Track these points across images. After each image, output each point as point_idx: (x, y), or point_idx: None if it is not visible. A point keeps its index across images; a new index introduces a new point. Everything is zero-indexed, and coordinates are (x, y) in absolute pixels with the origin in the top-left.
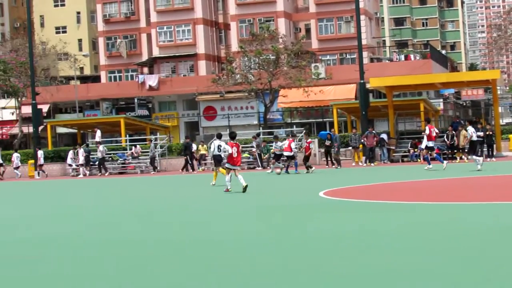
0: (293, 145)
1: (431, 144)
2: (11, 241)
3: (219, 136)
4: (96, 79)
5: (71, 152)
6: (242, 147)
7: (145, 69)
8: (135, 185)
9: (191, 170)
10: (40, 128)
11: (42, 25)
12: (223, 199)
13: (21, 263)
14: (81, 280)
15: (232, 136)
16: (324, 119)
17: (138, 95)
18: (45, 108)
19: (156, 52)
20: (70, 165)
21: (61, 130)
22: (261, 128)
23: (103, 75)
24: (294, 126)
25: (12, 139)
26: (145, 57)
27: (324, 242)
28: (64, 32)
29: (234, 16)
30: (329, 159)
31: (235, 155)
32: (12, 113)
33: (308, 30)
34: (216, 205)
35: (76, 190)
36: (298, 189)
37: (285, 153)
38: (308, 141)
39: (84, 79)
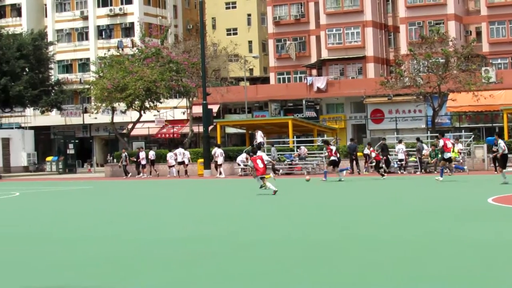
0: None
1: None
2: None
3: (259, 148)
4: (265, 80)
5: (243, 155)
6: (409, 151)
7: (314, 71)
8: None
9: (356, 172)
10: (210, 128)
11: (213, 27)
12: (384, 202)
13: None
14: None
15: (254, 151)
16: (494, 124)
17: (306, 97)
18: (215, 108)
19: (325, 54)
20: (239, 164)
21: (230, 130)
22: (428, 132)
23: (272, 76)
24: (463, 130)
25: (183, 138)
26: (313, 59)
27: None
28: (235, 34)
29: (404, 19)
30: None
31: (260, 165)
32: (183, 113)
33: (479, 33)
34: (386, 207)
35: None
36: (465, 195)
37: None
38: (371, 149)
39: (253, 80)
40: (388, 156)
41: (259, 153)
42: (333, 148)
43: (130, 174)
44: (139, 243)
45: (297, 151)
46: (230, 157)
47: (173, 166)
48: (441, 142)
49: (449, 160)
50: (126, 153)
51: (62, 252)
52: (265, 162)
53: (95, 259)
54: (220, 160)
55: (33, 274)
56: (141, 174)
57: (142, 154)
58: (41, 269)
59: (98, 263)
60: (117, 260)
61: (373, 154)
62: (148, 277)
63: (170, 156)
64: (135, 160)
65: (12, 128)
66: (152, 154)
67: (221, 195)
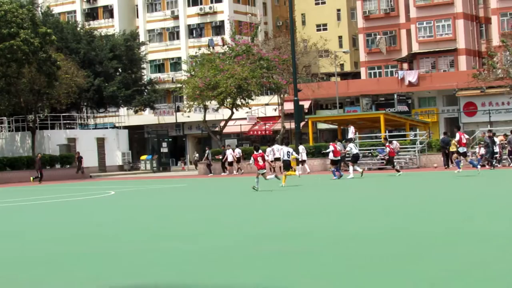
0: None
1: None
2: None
3: (287, 143)
4: (356, 75)
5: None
6: (503, 144)
7: (405, 65)
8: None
9: (445, 167)
10: (302, 124)
11: (303, 23)
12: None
13: None
14: None
15: (256, 148)
16: None
17: (398, 91)
18: (306, 104)
19: (415, 48)
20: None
21: (322, 126)
22: None
23: (362, 71)
24: None
25: (275, 135)
26: (404, 53)
27: None
28: (325, 29)
29: (495, 10)
30: None
31: (260, 163)
32: (275, 109)
33: None
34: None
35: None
36: None
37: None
38: (387, 144)
39: (344, 75)
40: (494, 148)
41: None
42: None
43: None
44: (238, 238)
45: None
46: (322, 154)
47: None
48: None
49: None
50: (209, 151)
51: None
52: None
53: (196, 255)
54: (303, 156)
55: (159, 269)
56: (227, 171)
57: (228, 152)
58: (162, 265)
59: (208, 258)
60: (221, 255)
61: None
62: (243, 273)
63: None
64: (221, 158)
65: (107, 128)
66: (238, 151)
67: (315, 190)
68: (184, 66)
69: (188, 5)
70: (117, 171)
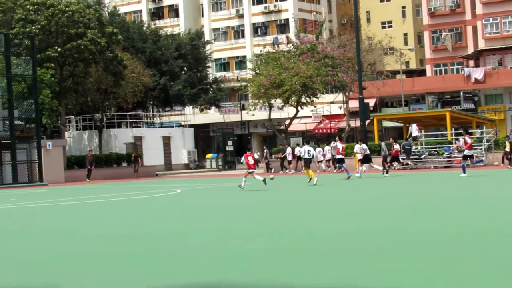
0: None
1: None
2: None
3: (308, 142)
4: (421, 73)
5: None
6: None
7: (471, 62)
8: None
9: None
10: (367, 122)
11: (368, 20)
12: None
13: None
14: None
15: (249, 149)
16: None
17: (464, 89)
18: (371, 102)
19: (481, 45)
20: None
21: (387, 124)
22: None
23: (428, 68)
24: None
25: (340, 133)
26: (470, 49)
27: None
28: (390, 26)
29: None
30: None
31: (251, 162)
32: (340, 108)
33: None
34: None
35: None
36: None
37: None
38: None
39: (409, 73)
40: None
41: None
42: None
43: (273, 169)
44: (309, 236)
45: (455, 143)
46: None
47: (321, 161)
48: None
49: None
50: (267, 150)
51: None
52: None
53: (278, 252)
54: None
55: (222, 268)
56: (287, 169)
57: (288, 150)
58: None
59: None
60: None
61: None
62: (311, 272)
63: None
64: (280, 156)
65: (173, 126)
66: (298, 150)
67: (378, 189)
68: (249, 65)
69: (253, 4)
70: (183, 169)
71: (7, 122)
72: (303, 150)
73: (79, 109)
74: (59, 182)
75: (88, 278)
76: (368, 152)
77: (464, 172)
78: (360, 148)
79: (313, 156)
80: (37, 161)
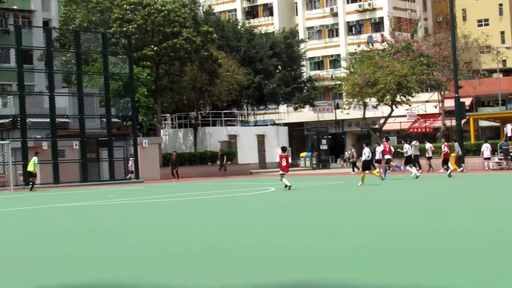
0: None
1: None
2: None
3: (367, 144)
4: None
5: (486, 146)
6: None
7: None
8: None
9: None
10: (463, 121)
11: (464, 18)
12: None
13: None
14: None
15: (284, 149)
16: None
17: None
18: (467, 101)
19: None
20: (486, 158)
21: (483, 123)
22: None
23: None
24: None
25: (435, 132)
26: None
27: None
28: (486, 24)
29: None
30: None
31: (284, 164)
32: (435, 107)
33: None
34: None
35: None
36: None
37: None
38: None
39: (507, 71)
40: None
41: (366, 149)
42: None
43: (359, 170)
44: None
45: None
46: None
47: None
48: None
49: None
50: (353, 149)
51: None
52: (289, 162)
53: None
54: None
55: (299, 267)
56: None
57: (378, 149)
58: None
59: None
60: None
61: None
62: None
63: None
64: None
65: (267, 125)
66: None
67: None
68: (344, 63)
69: (347, 2)
70: (277, 167)
71: (105, 119)
72: (363, 152)
73: (174, 107)
74: (155, 179)
75: (191, 274)
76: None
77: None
78: (408, 148)
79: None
80: (133, 158)
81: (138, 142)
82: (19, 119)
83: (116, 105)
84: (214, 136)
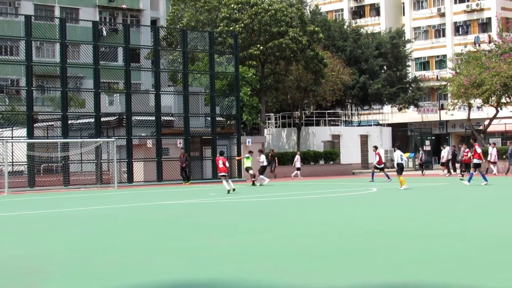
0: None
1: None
2: None
3: (399, 147)
4: None
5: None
6: None
7: None
8: None
9: None
10: None
11: None
12: None
13: None
14: None
15: (221, 153)
16: None
17: None
18: None
19: None
20: None
21: None
22: None
23: None
24: None
25: None
26: None
27: None
28: None
29: None
30: None
31: (221, 165)
32: None
33: None
34: None
35: None
36: None
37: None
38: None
39: None
40: None
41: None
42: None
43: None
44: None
45: None
46: None
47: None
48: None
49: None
50: (422, 151)
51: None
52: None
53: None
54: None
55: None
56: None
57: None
58: None
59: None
60: None
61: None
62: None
63: None
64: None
65: (370, 125)
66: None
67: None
68: (449, 64)
69: (455, 2)
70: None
71: (209, 118)
72: (395, 156)
73: (278, 107)
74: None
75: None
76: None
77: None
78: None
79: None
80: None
81: (242, 141)
82: (124, 117)
83: (221, 104)
84: (318, 136)
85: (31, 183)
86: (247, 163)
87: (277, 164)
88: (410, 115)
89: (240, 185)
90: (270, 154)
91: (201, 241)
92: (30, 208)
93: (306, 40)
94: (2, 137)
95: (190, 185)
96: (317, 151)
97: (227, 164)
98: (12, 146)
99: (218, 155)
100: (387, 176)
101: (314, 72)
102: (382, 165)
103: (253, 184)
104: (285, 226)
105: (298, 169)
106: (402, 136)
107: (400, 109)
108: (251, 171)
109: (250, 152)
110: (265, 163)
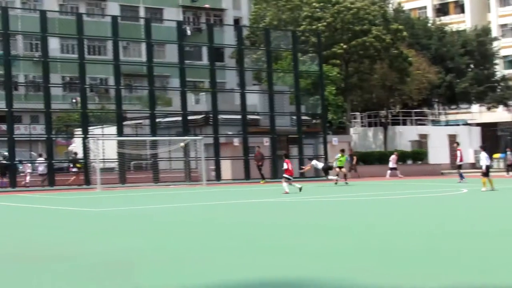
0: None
1: None
2: None
3: (485, 148)
4: None
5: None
6: None
7: None
8: None
9: None
10: None
11: None
12: None
13: None
14: None
15: (286, 155)
16: None
17: None
18: None
19: None
20: None
21: None
22: None
23: None
24: None
25: None
26: None
27: None
28: None
29: None
30: None
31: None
32: None
33: None
34: None
35: None
36: None
37: None
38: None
39: None
40: None
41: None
42: None
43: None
44: None
45: None
46: None
47: None
48: None
49: None
50: (510, 151)
51: None
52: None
53: None
54: None
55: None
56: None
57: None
58: None
59: None
60: None
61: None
62: None
63: None
64: None
65: (458, 125)
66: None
67: None
68: None
69: None
70: (469, 169)
71: (295, 117)
72: (481, 157)
73: (363, 106)
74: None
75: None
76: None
77: None
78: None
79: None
80: (323, 156)
81: (328, 140)
82: (211, 115)
83: (306, 103)
84: (404, 135)
85: (122, 180)
86: (339, 162)
87: (355, 163)
88: (500, 115)
89: (323, 185)
90: (349, 154)
91: (289, 240)
92: (121, 204)
93: (389, 39)
94: (93, 134)
95: (275, 183)
96: (404, 150)
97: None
98: (103, 144)
99: (285, 157)
100: (461, 175)
101: (399, 71)
102: (461, 163)
103: (346, 183)
104: (373, 226)
105: (391, 169)
106: (491, 136)
107: (489, 109)
108: (343, 169)
109: (342, 150)
110: (319, 166)
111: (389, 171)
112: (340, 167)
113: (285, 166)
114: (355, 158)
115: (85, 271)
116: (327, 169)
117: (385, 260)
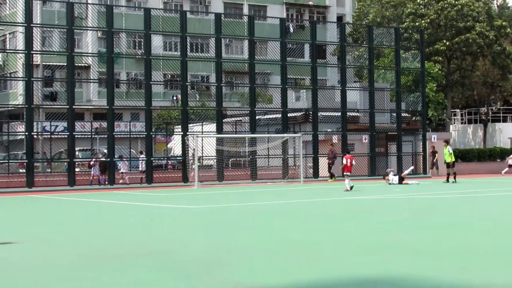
0: None
1: None
2: None
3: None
4: None
5: None
6: None
7: None
8: None
9: None
10: None
11: None
12: None
13: None
14: None
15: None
16: None
17: None
18: None
19: None
20: None
21: None
22: None
23: None
24: None
25: None
26: None
27: None
28: None
29: None
30: None
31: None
32: None
33: None
34: None
35: None
36: None
37: None
38: None
39: None
40: None
41: None
42: None
43: None
44: None
45: None
46: None
47: None
48: None
49: None
50: None
51: None
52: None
53: None
54: None
55: None
56: None
57: None
58: None
59: None
60: None
61: None
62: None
63: None
64: None
65: None
66: None
67: None
68: None
69: None
70: None
71: (394, 114)
72: None
73: (464, 103)
74: (443, 175)
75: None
76: None
77: None
78: None
79: None
80: (422, 154)
81: (427, 137)
82: (311, 112)
83: (406, 100)
84: (505, 133)
85: (219, 177)
86: (446, 157)
87: (435, 160)
88: None
89: (428, 182)
90: (431, 151)
91: (385, 237)
92: (220, 201)
93: (493, 35)
94: (193, 132)
95: (372, 180)
96: (503, 148)
97: (354, 163)
98: (202, 141)
99: (346, 153)
100: None
101: (501, 68)
102: None
103: (448, 180)
104: (469, 224)
105: (510, 166)
106: None
107: None
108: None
109: (446, 141)
110: (395, 181)
111: (506, 168)
112: (448, 164)
113: (344, 162)
114: (436, 155)
115: (186, 267)
116: (401, 180)
117: (475, 257)
